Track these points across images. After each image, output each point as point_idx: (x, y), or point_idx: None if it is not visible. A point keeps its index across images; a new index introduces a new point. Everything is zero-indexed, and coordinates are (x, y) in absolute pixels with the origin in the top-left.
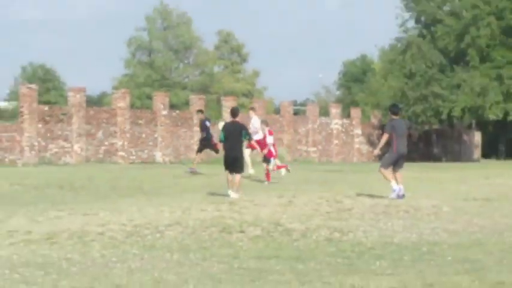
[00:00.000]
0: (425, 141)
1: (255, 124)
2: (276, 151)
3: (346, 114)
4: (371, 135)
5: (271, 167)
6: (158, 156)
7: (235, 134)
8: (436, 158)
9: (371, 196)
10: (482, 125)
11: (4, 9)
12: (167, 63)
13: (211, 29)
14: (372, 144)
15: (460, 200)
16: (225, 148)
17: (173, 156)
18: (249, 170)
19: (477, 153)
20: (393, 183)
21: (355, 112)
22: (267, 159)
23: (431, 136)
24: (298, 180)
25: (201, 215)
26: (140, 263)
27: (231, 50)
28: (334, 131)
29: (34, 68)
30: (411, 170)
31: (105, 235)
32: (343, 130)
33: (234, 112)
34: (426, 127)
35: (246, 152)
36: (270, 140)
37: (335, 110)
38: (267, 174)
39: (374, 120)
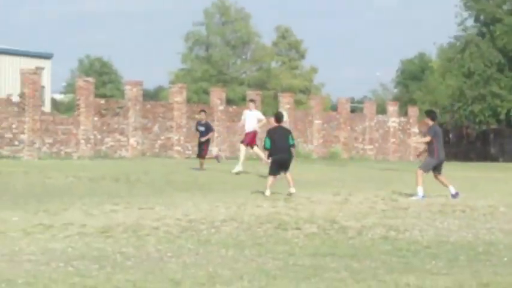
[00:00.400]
0: (482, 140)
1: (259, 117)
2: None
3: (403, 113)
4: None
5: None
6: (214, 151)
7: (283, 140)
8: (493, 158)
9: (427, 195)
10: None
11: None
12: (224, 58)
13: (270, 24)
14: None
15: None
16: (272, 154)
17: (229, 152)
18: (238, 167)
19: None
20: (420, 189)
21: (413, 110)
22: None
23: (489, 136)
24: (354, 178)
25: (256, 211)
26: (195, 258)
27: (289, 46)
28: (391, 129)
29: (91, 61)
30: (468, 170)
31: (160, 229)
32: (400, 128)
33: (279, 117)
34: (484, 127)
35: (242, 149)
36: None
37: (392, 108)
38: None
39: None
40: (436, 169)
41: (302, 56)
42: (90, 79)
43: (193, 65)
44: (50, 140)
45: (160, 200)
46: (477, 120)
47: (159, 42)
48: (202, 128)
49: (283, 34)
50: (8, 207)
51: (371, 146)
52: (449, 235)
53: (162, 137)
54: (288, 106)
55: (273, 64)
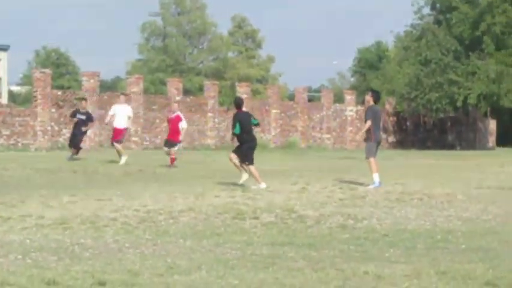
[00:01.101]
0: (439, 128)
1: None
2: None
3: (360, 101)
4: (385, 122)
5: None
6: (180, 144)
7: (248, 123)
8: (450, 146)
9: (384, 183)
10: (497, 112)
11: None
12: (181, 48)
13: (226, 14)
14: (385, 131)
15: (474, 188)
16: (242, 140)
17: (187, 142)
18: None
19: (492, 141)
20: (375, 175)
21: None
22: (173, 143)
23: (446, 124)
24: (312, 167)
25: (214, 201)
26: (153, 249)
27: (246, 36)
28: (349, 118)
29: (48, 52)
30: (425, 157)
31: (118, 221)
32: (358, 117)
33: (241, 103)
34: (441, 115)
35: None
36: (183, 124)
37: (350, 97)
38: (173, 159)
39: (388, 107)
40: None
41: (259, 46)
42: (47, 70)
43: (149, 56)
44: (7, 132)
45: (118, 191)
46: (434, 108)
47: (116, 33)
48: (82, 117)
49: (240, 24)
50: None
51: (328, 135)
52: (407, 223)
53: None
54: (245, 96)
55: (230, 54)
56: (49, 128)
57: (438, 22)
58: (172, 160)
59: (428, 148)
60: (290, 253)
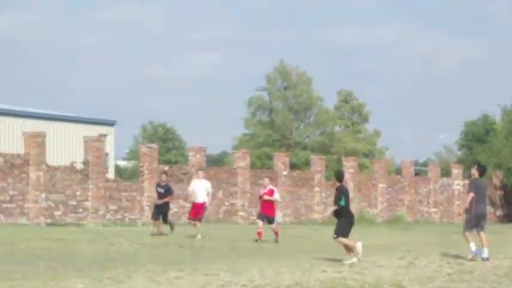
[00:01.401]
0: None
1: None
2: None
3: (468, 175)
4: (493, 196)
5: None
6: (278, 217)
7: (348, 199)
8: None
9: (493, 257)
10: None
11: (124, 67)
12: (287, 123)
13: (332, 88)
14: (493, 205)
15: None
16: (344, 214)
17: (293, 217)
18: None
19: None
20: (471, 245)
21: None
22: (271, 218)
23: None
24: (419, 241)
25: (321, 276)
26: None
27: (352, 110)
28: (456, 192)
29: (154, 127)
30: None
31: None
32: (465, 191)
33: (342, 176)
34: None
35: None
36: (277, 196)
37: (457, 171)
38: (260, 233)
39: (496, 181)
40: (478, 225)
41: (365, 120)
42: (154, 145)
43: (256, 130)
44: (114, 207)
45: (225, 266)
46: None
47: (222, 108)
48: (161, 190)
49: (346, 98)
50: (72, 274)
51: (435, 209)
52: None
53: (226, 203)
54: (352, 170)
55: (336, 128)
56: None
57: None
58: (277, 234)
59: None
60: None
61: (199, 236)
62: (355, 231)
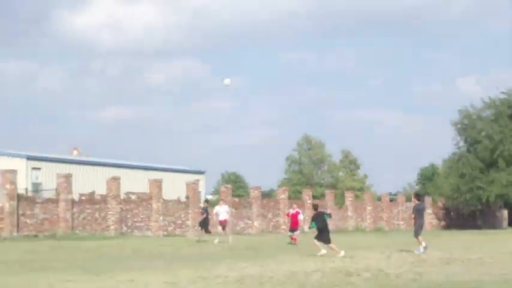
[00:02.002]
0: (472, 217)
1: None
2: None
3: (422, 201)
4: (438, 213)
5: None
6: (306, 228)
7: (323, 219)
8: (478, 227)
9: (438, 251)
10: (508, 205)
11: (206, 139)
12: (310, 171)
13: (338, 148)
14: (438, 218)
15: (497, 253)
16: (320, 229)
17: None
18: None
19: (505, 224)
20: (421, 246)
21: (428, 199)
22: (292, 229)
23: (476, 213)
24: (392, 242)
25: (331, 265)
26: None
27: (349, 162)
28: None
29: (229, 174)
30: (463, 235)
31: (273, 278)
32: (410, 213)
33: (316, 207)
34: (472, 208)
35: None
36: (300, 217)
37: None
38: (295, 239)
39: (440, 204)
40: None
41: (357, 167)
42: (229, 186)
43: (291, 175)
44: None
45: (274, 259)
46: (469, 204)
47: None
48: (204, 212)
49: (346, 155)
50: (180, 266)
51: (402, 222)
52: (454, 276)
53: (273, 220)
54: (351, 199)
55: (340, 173)
56: (231, 221)
57: (469, 150)
58: (295, 240)
59: (465, 229)
60: None
61: (230, 240)
62: (353, 236)
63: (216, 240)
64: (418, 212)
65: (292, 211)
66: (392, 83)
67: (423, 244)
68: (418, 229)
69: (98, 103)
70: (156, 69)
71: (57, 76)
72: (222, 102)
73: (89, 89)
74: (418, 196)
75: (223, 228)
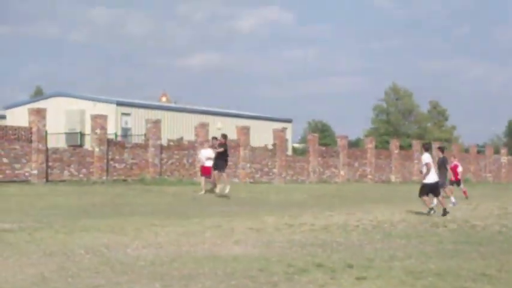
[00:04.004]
0: None
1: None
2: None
3: (510, 153)
4: None
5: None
6: (393, 178)
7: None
8: None
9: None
10: None
11: (298, 87)
12: (398, 121)
13: (426, 98)
14: None
15: None
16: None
17: (402, 178)
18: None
19: None
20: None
21: None
22: (457, 182)
23: None
24: (480, 194)
25: (418, 216)
26: (381, 245)
27: (438, 113)
28: (503, 163)
29: (316, 123)
30: None
31: (359, 227)
32: (508, 163)
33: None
34: None
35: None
36: (460, 169)
37: (503, 150)
38: (465, 192)
39: None
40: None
41: (446, 119)
42: (315, 134)
43: (379, 125)
44: (291, 172)
45: (360, 209)
46: None
47: (358, 112)
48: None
49: (435, 105)
50: (265, 213)
51: (490, 174)
52: None
53: (360, 170)
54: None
55: (428, 124)
56: (317, 169)
57: None
58: (465, 193)
59: None
60: (467, 248)
61: (226, 190)
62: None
63: (227, 190)
64: (443, 165)
65: (451, 164)
66: (481, 32)
67: (452, 199)
68: (444, 182)
69: (186, 49)
70: (243, 16)
71: (144, 22)
72: (310, 50)
73: (176, 35)
74: (442, 149)
75: (208, 176)
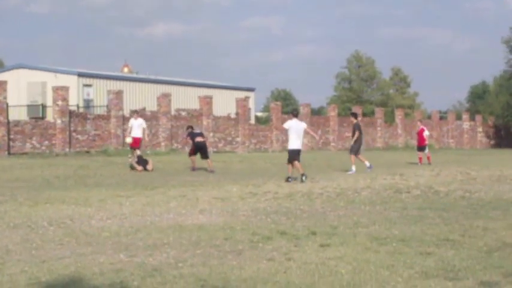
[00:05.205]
0: None
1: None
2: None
3: (472, 119)
4: (488, 131)
5: (426, 152)
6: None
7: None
8: None
9: (488, 170)
10: None
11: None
12: (360, 88)
13: (388, 65)
14: (488, 137)
15: None
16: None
17: (365, 145)
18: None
19: None
20: (353, 167)
21: (478, 117)
22: (421, 147)
23: None
24: (443, 160)
25: (382, 182)
26: (345, 212)
27: (400, 79)
28: (465, 129)
29: (279, 92)
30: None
31: (323, 195)
32: (471, 129)
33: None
34: None
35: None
36: (426, 133)
37: (465, 116)
38: (428, 158)
39: (490, 122)
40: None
41: (408, 85)
42: (278, 103)
43: (341, 93)
44: (254, 141)
45: (324, 176)
46: None
47: (320, 78)
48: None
49: (397, 72)
50: (229, 182)
51: (452, 140)
52: (503, 195)
53: (323, 138)
54: (400, 117)
55: (390, 91)
56: (280, 138)
57: None
58: (421, 160)
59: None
60: (430, 214)
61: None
62: (403, 154)
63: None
64: (359, 129)
65: (417, 129)
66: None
67: (367, 163)
68: (359, 147)
69: (148, 19)
70: None
71: None
72: (271, 18)
73: (137, 4)
74: (355, 115)
75: (137, 148)
